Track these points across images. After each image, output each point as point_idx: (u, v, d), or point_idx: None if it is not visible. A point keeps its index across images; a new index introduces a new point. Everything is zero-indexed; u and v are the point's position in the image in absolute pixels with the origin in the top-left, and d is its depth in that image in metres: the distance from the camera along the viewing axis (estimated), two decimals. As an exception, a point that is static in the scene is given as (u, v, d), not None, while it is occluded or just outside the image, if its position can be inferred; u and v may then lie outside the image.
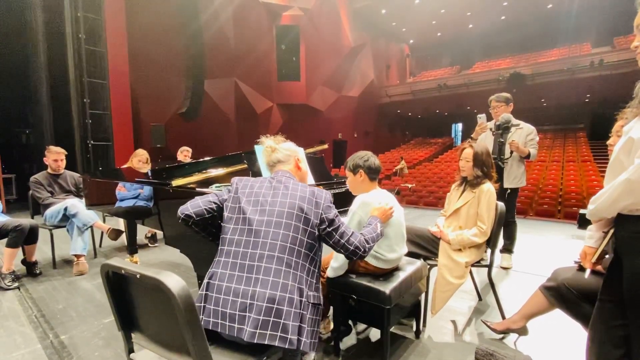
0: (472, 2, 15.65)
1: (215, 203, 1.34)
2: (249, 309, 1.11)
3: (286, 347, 1.10)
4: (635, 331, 1.05)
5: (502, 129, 2.92)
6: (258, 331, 1.08)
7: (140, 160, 3.57)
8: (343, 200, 2.33)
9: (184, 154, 4.21)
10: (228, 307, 1.13)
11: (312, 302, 1.21)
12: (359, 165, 1.72)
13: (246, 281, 1.15)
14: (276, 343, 1.09)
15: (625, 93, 1.20)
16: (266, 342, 1.08)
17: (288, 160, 1.45)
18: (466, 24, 18.41)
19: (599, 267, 1.40)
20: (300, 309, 1.15)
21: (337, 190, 2.34)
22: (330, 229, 1.28)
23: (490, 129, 3.11)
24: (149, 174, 2.49)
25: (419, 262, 1.93)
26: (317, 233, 1.26)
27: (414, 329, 1.99)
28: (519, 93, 12.77)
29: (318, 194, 1.30)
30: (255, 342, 1.08)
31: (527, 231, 4.48)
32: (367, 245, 1.34)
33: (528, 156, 2.96)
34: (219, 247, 1.27)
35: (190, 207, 1.31)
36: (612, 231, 1.15)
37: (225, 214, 1.31)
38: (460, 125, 23.02)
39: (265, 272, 1.15)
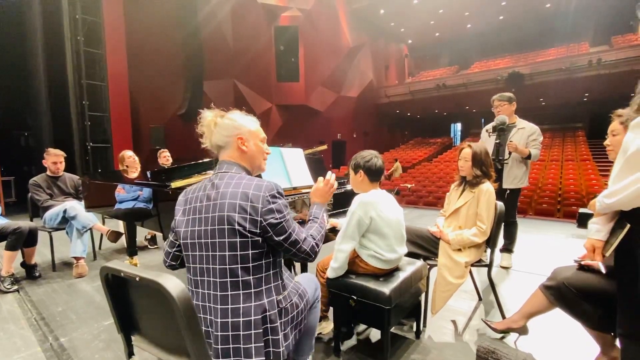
0: (470, 2, 15.68)
1: (177, 238, 1.22)
2: (208, 335, 1.06)
3: None
4: None
5: (498, 131, 2.93)
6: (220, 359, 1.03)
7: (128, 165, 3.47)
8: (343, 201, 2.33)
9: (164, 157, 4.24)
10: None
11: (283, 305, 1.13)
12: (359, 165, 1.72)
13: (202, 310, 1.08)
14: None
15: (623, 92, 1.20)
16: None
17: (228, 144, 1.19)
18: (464, 24, 18.45)
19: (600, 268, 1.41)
20: (265, 324, 1.07)
21: (336, 191, 2.34)
22: (277, 239, 1.09)
23: (487, 130, 3.11)
24: (149, 175, 2.48)
25: (418, 262, 1.93)
26: (262, 240, 1.08)
27: (415, 329, 1.99)
28: (518, 93, 12.67)
29: (254, 197, 1.06)
30: None
31: (527, 230, 4.48)
32: (317, 250, 1.21)
33: (529, 156, 2.95)
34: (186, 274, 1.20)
35: (166, 258, 1.27)
36: (627, 226, 1.13)
37: (178, 242, 1.21)
38: (459, 125, 23.04)
39: (214, 300, 1.06)
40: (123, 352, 1.18)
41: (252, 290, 1.07)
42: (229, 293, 1.05)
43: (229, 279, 1.05)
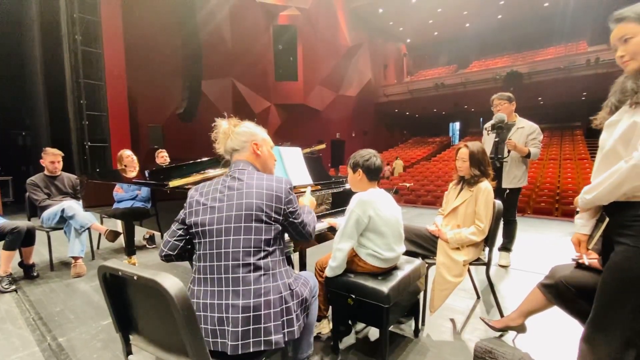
0: (469, 1, 15.67)
1: (181, 228, 1.27)
2: (226, 322, 1.08)
3: (273, 348, 1.09)
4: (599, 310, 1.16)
5: (497, 129, 2.93)
6: (240, 342, 1.06)
7: (126, 165, 3.51)
8: (341, 200, 2.33)
9: (162, 157, 4.25)
10: (202, 323, 1.10)
11: (293, 288, 1.20)
12: (358, 164, 1.72)
13: (218, 295, 1.11)
14: (262, 348, 1.08)
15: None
16: (251, 350, 1.07)
17: (243, 148, 1.33)
18: (463, 23, 18.45)
19: (595, 264, 1.41)
20: (281, 305, 1.14)
21: (335, 190, 2.34)
22: (294, 221, 1.28)
23: (486, 128, 3.12)
24: (147, 174, 2.48)
25: (417, 261, 1.93)
26: (280, 226, 1.23)
27: (413, 327, 1.99)
28: (516, 92, 12.66)
29: (277, 188, 1.23)
30: (240, 353, 1.06)
31: (525, 229, 4.49)
32: (314, 232, 1.43)
33: (528, 155, 2.94)
34: (195, 264, 1.22)
35: (164, 248, 1.27)
36: (607, 219, 1.20)
37: (191, 231, 1.24)
38: (457, 124, 23.07)
39: (235, 283, 1.11)
40: (121, 352, 1.18)
41: (270, 272, 1.16)
42: (252, 275, 1.12)
43: (252, 260, 1.13)
